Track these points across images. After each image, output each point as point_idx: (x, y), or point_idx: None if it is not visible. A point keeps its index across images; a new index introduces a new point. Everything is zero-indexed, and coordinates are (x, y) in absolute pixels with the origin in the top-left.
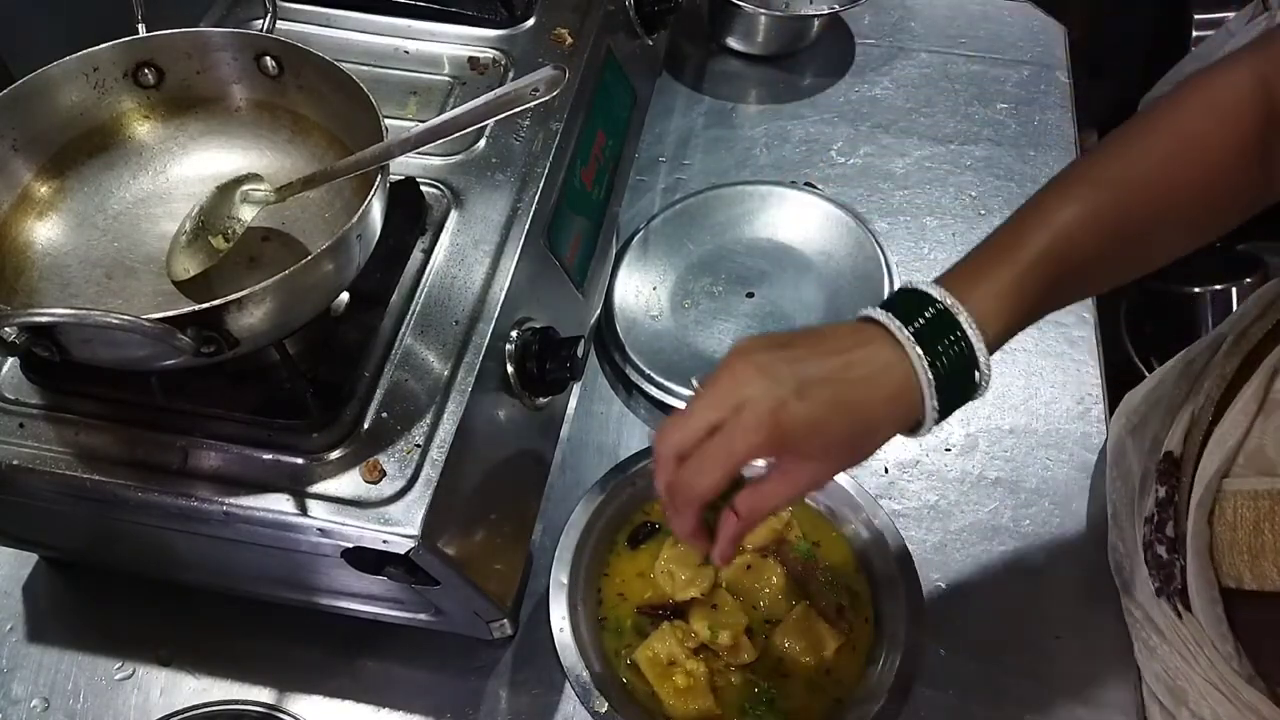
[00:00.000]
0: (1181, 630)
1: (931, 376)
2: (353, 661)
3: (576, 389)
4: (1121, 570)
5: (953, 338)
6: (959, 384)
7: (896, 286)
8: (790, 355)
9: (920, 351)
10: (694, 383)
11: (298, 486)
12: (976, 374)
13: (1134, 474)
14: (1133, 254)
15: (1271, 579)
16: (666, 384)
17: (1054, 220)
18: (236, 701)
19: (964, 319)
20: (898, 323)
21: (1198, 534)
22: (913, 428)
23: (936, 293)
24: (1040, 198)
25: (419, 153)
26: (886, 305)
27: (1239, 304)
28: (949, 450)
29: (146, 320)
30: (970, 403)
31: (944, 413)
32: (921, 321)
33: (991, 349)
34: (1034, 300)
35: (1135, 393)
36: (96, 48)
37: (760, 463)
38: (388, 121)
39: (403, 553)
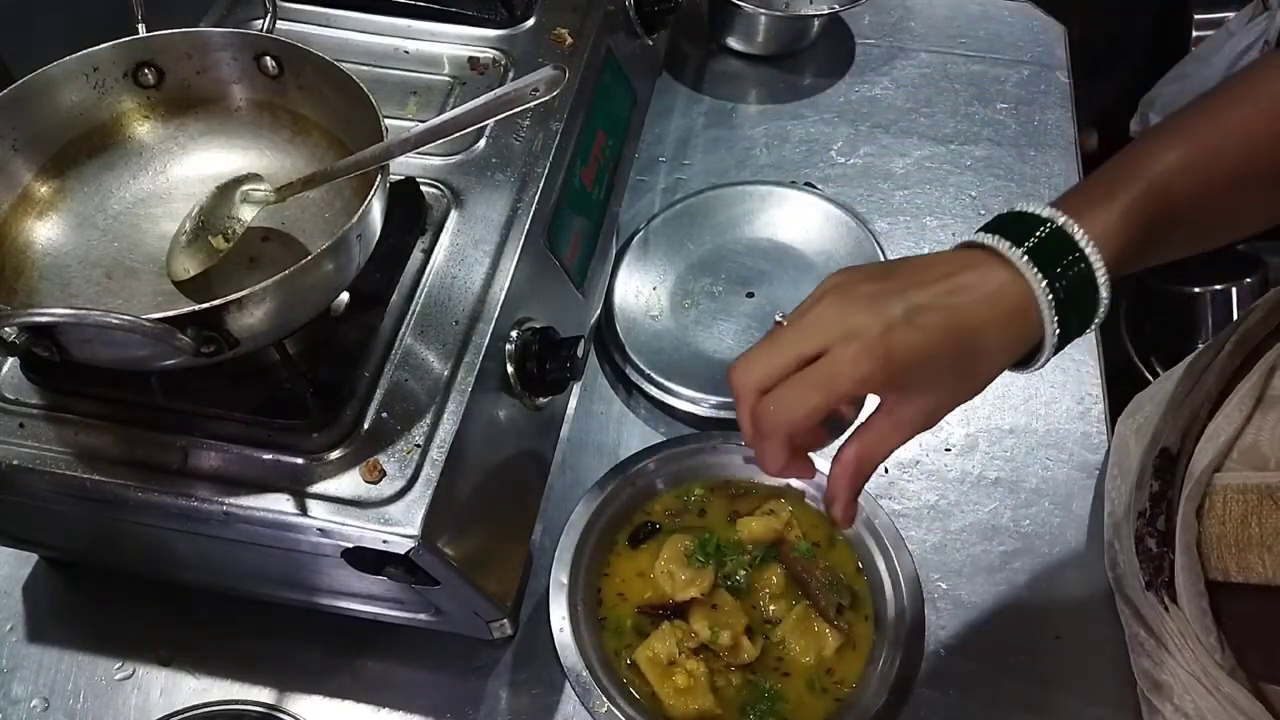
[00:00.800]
0: (1168, 623)
1: (1051, 296)
2: (353, 661)
3: (576, 389)
4: (1116, 566)
5: (1072, 257)
6: (1079, 305)
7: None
8: (894, 285)
9: (1037, 270)
10: (777, 318)
11: (298, 486)
12: (1098, 295)
13: (1133, 471)
14: (1226, 207)
15: (1257, 571)
16: (666, 384)
17: (1151, 165)
18: (236, 701)
19: (1081, 236)
20: (1007, 243)
21: (1186, 527)
22: (1028, 357)
23: (1046, 213)
24: (1134, 148)
25: (419, 153)
26: (989, 229)
27: (1239, 304)
28: (949, 450)
29: (146, 320)
30: (972, 402)
31: (1064, 338)
32: (1034, 241)
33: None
34: (1141, 234)
35: (1143, 394)
36: (96, 48)
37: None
38: (388, 121)
39: (403, 553)
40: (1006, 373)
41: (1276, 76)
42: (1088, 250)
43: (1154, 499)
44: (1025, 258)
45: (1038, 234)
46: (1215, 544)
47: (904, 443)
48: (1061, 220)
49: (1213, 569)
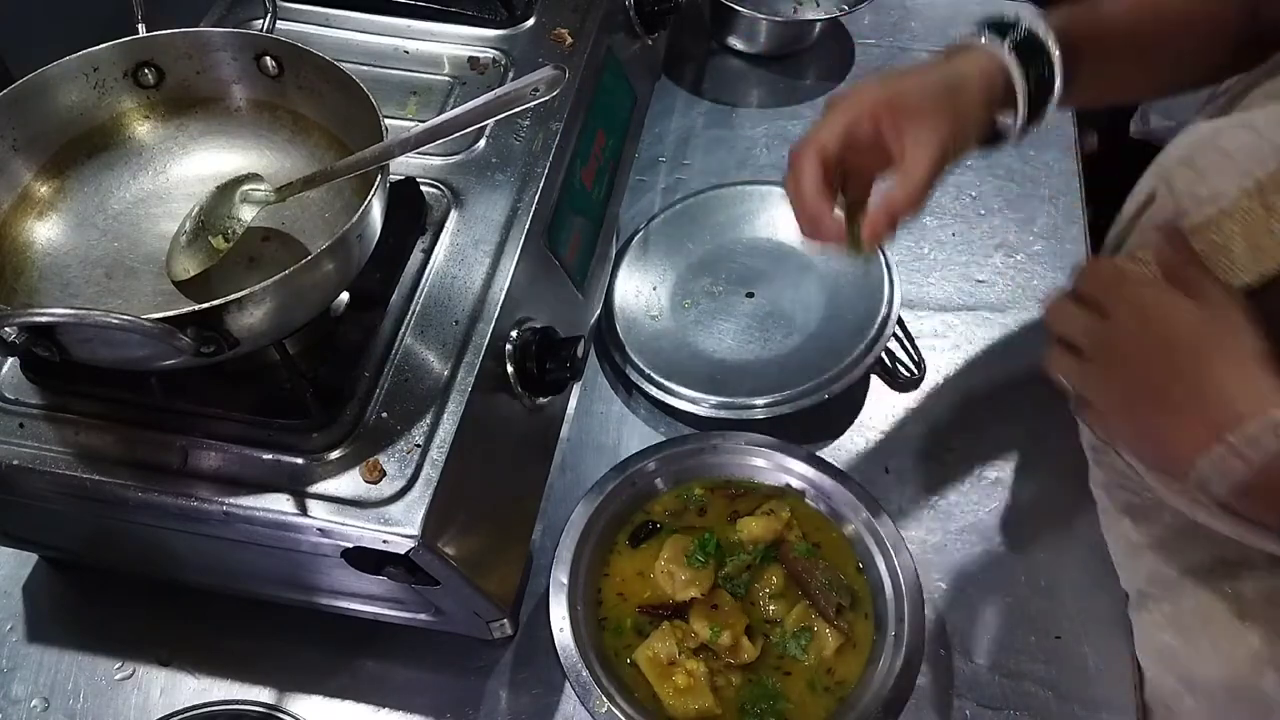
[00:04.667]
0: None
1: (1012, 55)
2: (353, 661)
3: (576, 389)
4: (1101, 462)
5: (1024, 27)
6: (1036, 60)
7: (896, 286)
8: (903, 70)
9: (993, 39)
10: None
11: (298, 486)
12: (1052, 67)
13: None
14: (1143, 61)
15: None
16: (666, 384)
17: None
18: (236, 701)
19: (1035, 25)
20: (970, 34)
21: None
22: (996, 137)
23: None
24: None
25: (419, 153)
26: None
27: None
28: (949, 450)
29: (146, 320)
30: (972, 402)
31: (1028, 90)
32: (998, 23)
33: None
34: (1089, 43)
35: None
36: (96, 48)
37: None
38: (388, 121)
39: (403, 553)
40: (1006, 373)
41: None
42: (1041, 33)
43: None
44: (987, 35)
45: (1016, 33)
46: None
47: (933, 169)
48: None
49: None
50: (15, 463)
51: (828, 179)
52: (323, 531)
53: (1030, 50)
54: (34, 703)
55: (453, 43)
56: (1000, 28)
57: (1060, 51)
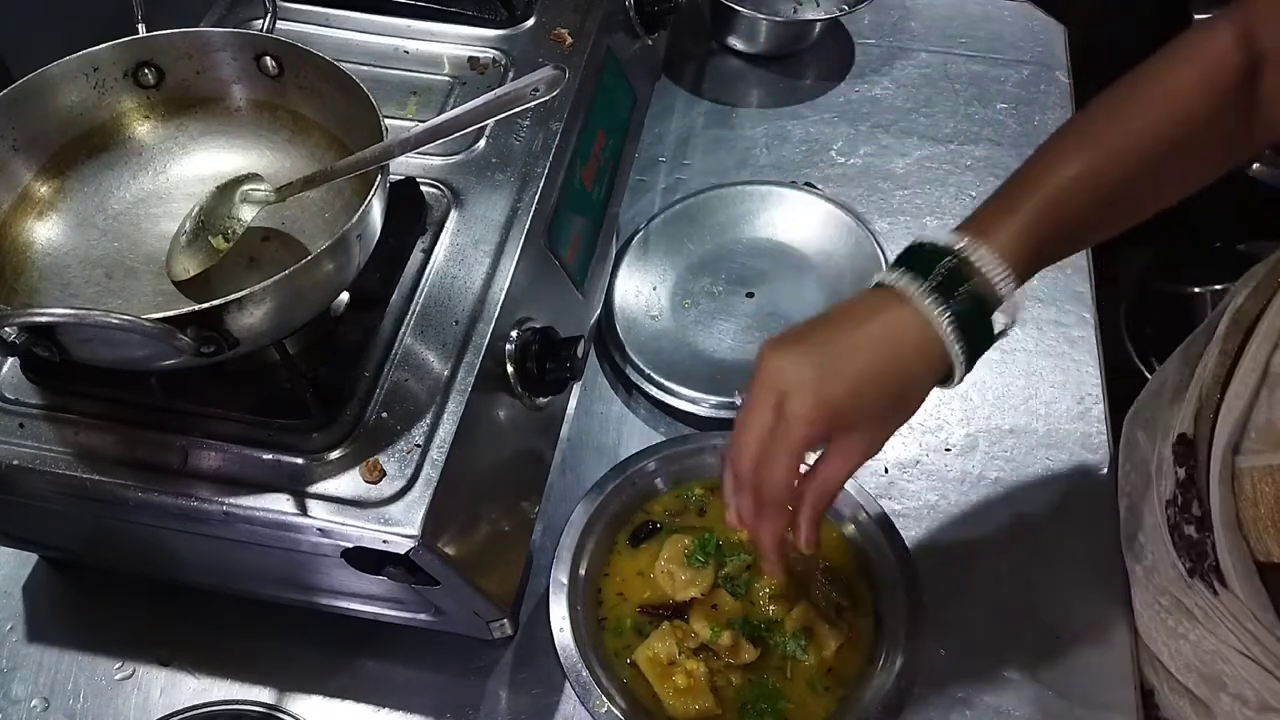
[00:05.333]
0: (1219, 607)
1: (954, 328)
2: (353, 661)
3: (576, 389)
4: (1142, 559)
5: (970, 285)
6: (981, 329)
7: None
8: (813, 341)
9: (937, 307)
10: (737, 398)
11: (298, 486)
12: (999, 314)
13: (1147, 463)
14: (1126, 205)
15: None
16: (666, 384)
17: (1051, 179)
18: (236, 701)
19: (981, 261)
20: (908, 280)
21: (1224, 508)
22: (947, 377)
23: (946, 242)
24: (1040, 154)
25: (419, 153)
26: (900, 263)
27: None
28: (949, 450)
29: (146, 320)
30: (972, 402)
31: (972, 358)
32: (935, 279)
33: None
34: (1041, 243)
35: (1143, 394)
36: (96, 48)
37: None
38: (388, 121)
39: (403, 553)
40: (1006, 373)
41: (1179, 72)
42: (990, 275)
43: (1182, 486)
44: (928, 298)
45: (939, 269)
46: (1252, 526)
47: (853, 472)
48: (961, 247)
49: (1255, 550)
50: (15, 463)
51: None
52: (323, 531)
53: (973, 315)
54: (34, 703)
55: (453, 43)
56: (934, 284)
57: (1015, 283)
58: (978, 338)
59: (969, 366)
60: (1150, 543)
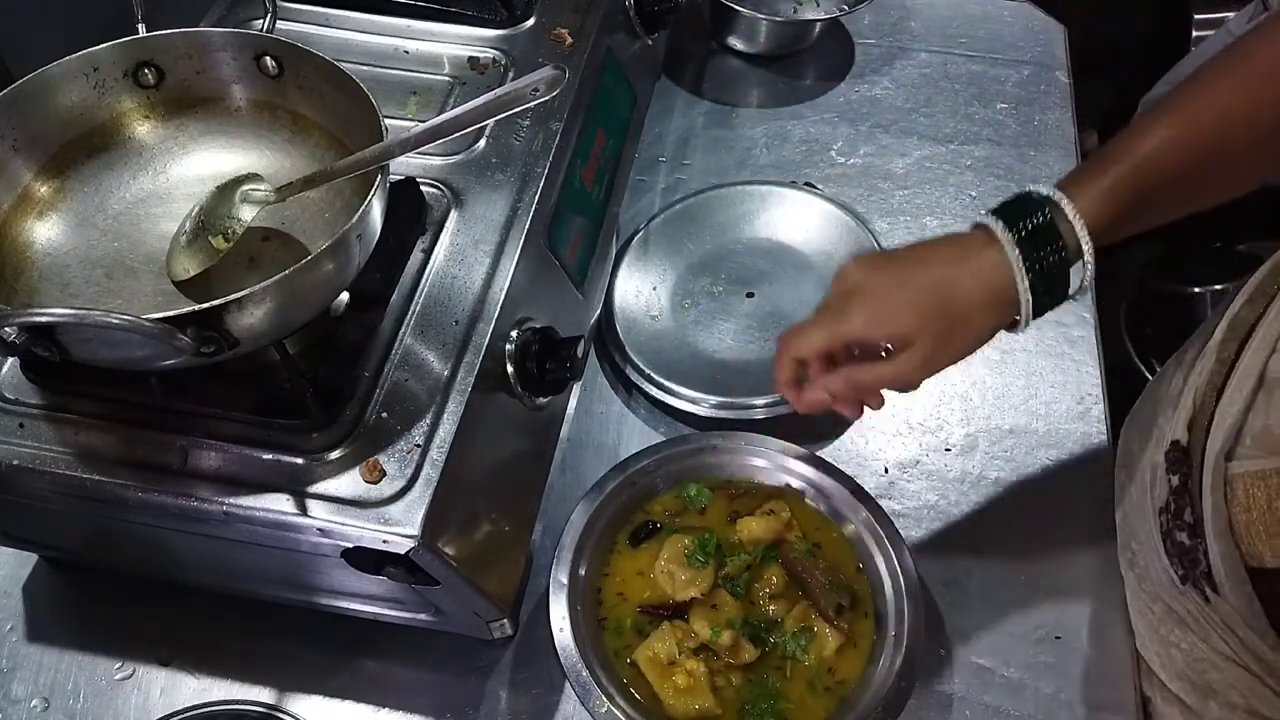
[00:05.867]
0: (1211, 615)
1: (1028, 283)
2: (353, 661)
3: (576, 389)
4: (1135, 567)
5: (1055, 244)
6: (1054, 288)
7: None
8: (895, 257)
9: (1013, 247)
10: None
11: (298, 486)
12: (1070, 279)
13: (1142, 470)
14: (1215, 175)
15: None
16: (666, 384)
17: (1140, 143)
18: (236, 701)
19: (1072, 217)
20: (1000, 225)
21: (1217, 514)
22: (1012, 324)
23: (1045, 193)
24: (1132, 125)
25: (419, 153)
26: (998, 210)
27: None
28: (949, 450)
29: (146, 320)
30: (972, 402)
31: (1039, 312)
32: (1026, 229)
33: (1098, 244)
34: (1130, 205)
35: (1138, 401)
36: (96, 48)
37: None
38: (388, 121)
39: (403, 553)
40: (1006, 373)
41: (1260, 50)
42: (1078, 230)
43: (1175, 493)
44: (1012, 245)
45: (1031, 221)
46: (1245, 532)
47: (900, 382)
48: (1057, 200)
49: (1247, 556)
50: (15, 463)
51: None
52: (323, 531)
53: (1051, 272)
54: (34, 703)
55: (453, 43)
56: (1016, 218)
57: (1091, 244)
58: (1050, 290)
59: (1037, 313)
60: (1143, 550)
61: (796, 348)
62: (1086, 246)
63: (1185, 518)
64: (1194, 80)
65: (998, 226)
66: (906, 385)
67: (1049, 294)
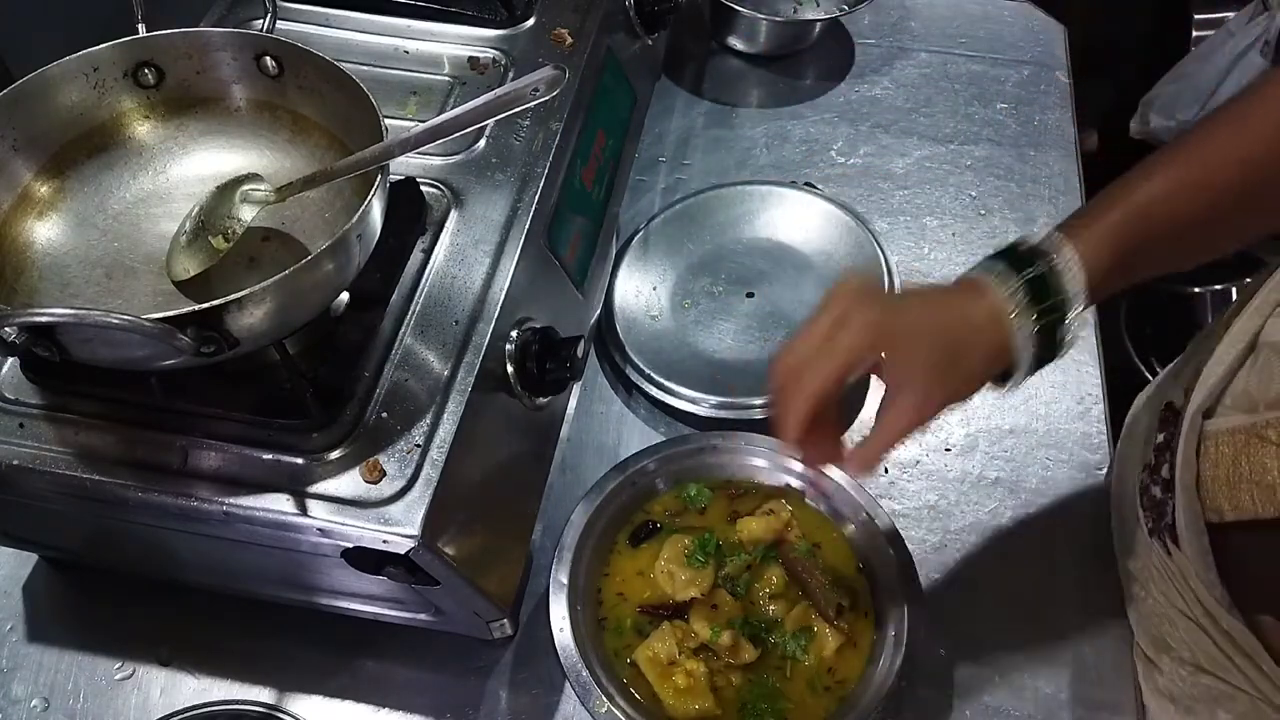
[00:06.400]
0: (1170, 566)
1: (1028, 335)
2: (353, 661)
3: (576, 389)
4: (1124, 523)
5: (1055, 301)
6: (1051, 343)
7: (897, 285)
8: (888, 294)
9: (1011, 301)
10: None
11: (298, 486)
12: (1068, 335)
13: (1141, 431)
14: (1213, 227)
15: (1246, 506)
16: (666, 384)
17: (1136, 193)
18: (236, 701)
19: (1065, 270)
20: (995, 277)
21: (1186, 468)
22: (1004, 376)
23: (1042, 244)
24: (1134, 169)
25: (419, 153)
26: (994, 257)
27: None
28: (949, 450)
29: (146, 320)
30: (972, 402)
31: (1035, 369)
32: (1023, 281)
33: (1093, 298)
34: (1122, 256)
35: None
36: (96, 48)
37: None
38: (388, 121)
39: (403, 553)
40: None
41: (1261, 105)
42: (1070, 289)
43: (1158, 450)
44: (1009, 297)
45: (1026, 273)
46: (1210, 486)
47: (907, 429)
48: (1053, 254)
49: (1209, 510)
50: (15, 463)
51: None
52: (323, 531)
53: (1048, 327)
54: (34, 703)
55: (453, 43)
56: (1016, 268)
57: (1088, 295)
58: (1046, 353)
59: (1032, 368)
60: (1126, 504)
61: (811, 381)
62: (1076, 312)
63: (1162, 473)
64: (1198, 128)
65: (991, 278)
66: (920, 423)
67: (1048, 352)
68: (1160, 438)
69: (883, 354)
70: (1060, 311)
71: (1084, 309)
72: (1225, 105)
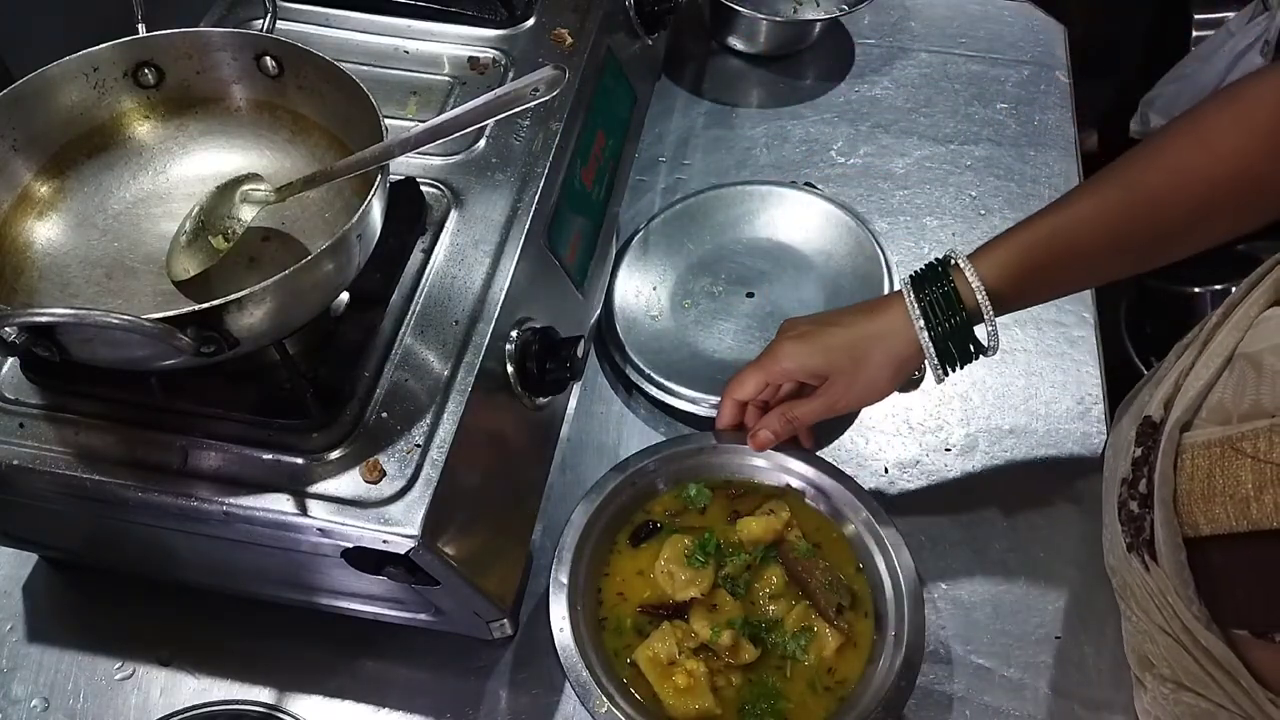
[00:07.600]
0: (1149, 583)
1: (932, 343)
2: (353, 661)
3: (576, 389)
4: (1103, 539)
5: (956, 311)
6: (959, 349)
7: (896, 285)
8: (824, 317)
9: (924, 325)
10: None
11: (298, 486)
12: (977, 343)
13: (1119, 446)
14: (1141, 245)
15: (1221, 520)
16: (666, 384)
17: (1067, 207)
18: (236, 701)
19: (968, 281)
20: (908, 289)
21: (1164, 482)
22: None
23: (951, 257)
24: (1071, 191)
25: (419, 153)
26: (913, 276)
27: None
28: (949, 450)
29: (146, 320)
30: (972, 402)
31: (941, 361)
32: (929, 296)
33: (1001, 310)
34: (1031, 272)
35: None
36: (96, 48)
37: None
38: (388, 121)
39: (403, 553)
40: (1006, 373)
41: (1221, 126)
42: (978, 296)
43: (1135, 464)
44: (920, 317)
45: (935, 287)
46: (1185, 500)
47: (819, 416)
48: (962, 266)
49: (1185, 525)
50: (15, 463)
51: (743, 408)
52: (323, 531)
53: (953, 335)
54: (34, 703)
55: (453, 43)
56: (921, 286)
57: (995, 306)
58: (949, 348)
59: (941, 374)
60: (1109, 520)
61: (734, 391)
62: (987, 311)
63: (1140, 488)
64: (1135, 152)
65: (907, 292)
66: (831, 414)
67: (948, 354)
68: (1138, 452)
69: (799, 366)
70: (965, 323)
71: (995, 316)
72: (1174, 119)
